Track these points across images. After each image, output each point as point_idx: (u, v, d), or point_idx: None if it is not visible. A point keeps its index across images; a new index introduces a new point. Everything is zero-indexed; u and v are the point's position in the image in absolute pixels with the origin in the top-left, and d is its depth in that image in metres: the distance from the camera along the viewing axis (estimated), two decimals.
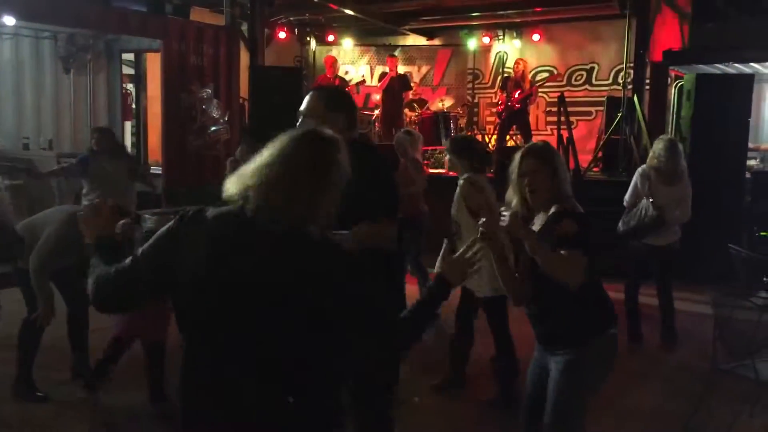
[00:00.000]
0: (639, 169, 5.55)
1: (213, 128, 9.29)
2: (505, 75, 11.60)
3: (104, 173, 6.12)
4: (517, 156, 2.76)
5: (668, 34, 9.99)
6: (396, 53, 11.96)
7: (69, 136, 10.03)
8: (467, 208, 4.09)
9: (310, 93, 2.81)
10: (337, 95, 2.93)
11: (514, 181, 2.76)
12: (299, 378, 1.74)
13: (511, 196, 2.79)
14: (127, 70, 11.06)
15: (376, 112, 11.60)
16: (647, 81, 9.48)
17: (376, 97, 11.93)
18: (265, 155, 1.80)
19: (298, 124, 2.70)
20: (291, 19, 12.36)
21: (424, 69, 13.05)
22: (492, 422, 4.17)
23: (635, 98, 9.11)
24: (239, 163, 5.98)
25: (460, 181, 4.17)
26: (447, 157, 4.34)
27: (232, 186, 1.79)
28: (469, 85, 12.72)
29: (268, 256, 1.72)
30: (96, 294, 1.89)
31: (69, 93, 10.18)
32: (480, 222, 2.62)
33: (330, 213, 1.80)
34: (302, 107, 2.74)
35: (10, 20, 7.84)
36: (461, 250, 2.00)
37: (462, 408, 4.37)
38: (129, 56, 10.90)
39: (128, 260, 1.86)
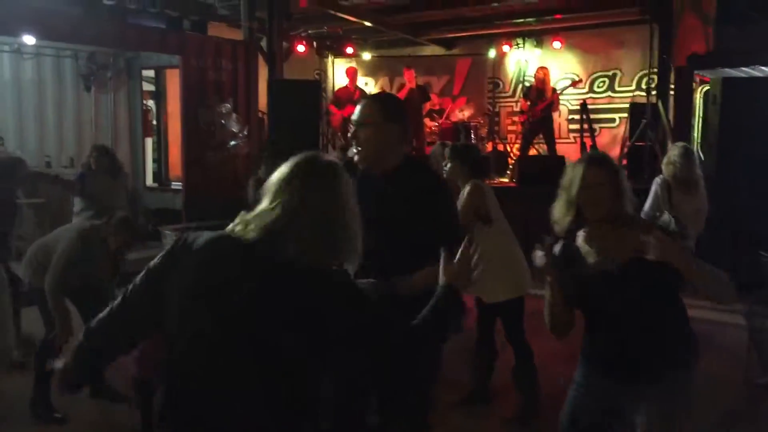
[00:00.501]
0: (657, 179, 5.37)
1: (232, 143, 9.29)
2: (527, 84, 11.48)
3: (101, 192, 6.05)
4: (577, 167, 2.49)
5: (692, 39, 9.81)
6: (413, 65, 11.89)
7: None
8: (477, 214, 4.00)
9: (365, 101, 2.65)
10: (395, 104, 2.74)
11: (572, 194, 2.47)
12: (295, 404, 1.68)
13: (562, 210, 2.52)
14: (148, 87, 11.14)
15: None
16: (671, 86, 9.31)
17: None
18: (270, 182, 1.77)
19: (350, 134, 2.60)
20: (309, 32, 12.37)
21: (444, 79, 12.97)
22: None
23: (660, 104, 8.94)
24: (262, 182, 5.90)
25: (467, 188, 4.08)
26: (448, 165, 4.22)
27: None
28: (490, 95, 12.61)
29: (262, 284, 1.65)
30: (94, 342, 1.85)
31: (90, 111, 10.26)
32: (543, 251, 2.40)
33: (339, 245, 1.74)
34: (355, 116, 2.59)
35: (30, 39, 7.91)
36: (459, 252, 1.92)
37: (487, 425, 4.25)
38: (149, 73, 10.97)
39: (119, 300, 1.80)
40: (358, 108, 2.61)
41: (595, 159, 2.55)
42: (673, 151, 5.26)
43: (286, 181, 1.74)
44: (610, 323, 2.49)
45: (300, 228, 1.68)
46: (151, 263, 1.79)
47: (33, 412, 4.26)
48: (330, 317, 1.65)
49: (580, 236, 2.52)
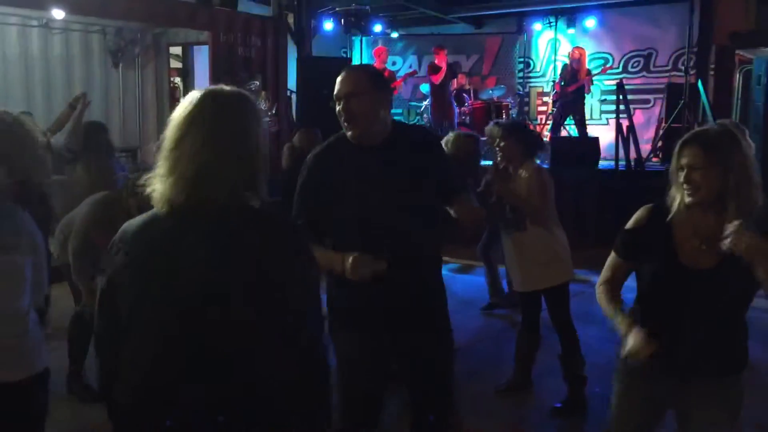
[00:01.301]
0: None
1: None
2: (562, 62, 11.23)
3: (97, 174, 5.70)
4: (677, 144, 2.22)
5: (732, 17, 9.52)
6: (443, 43, 11.64)
7: (118, 129, 10.03)
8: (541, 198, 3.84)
9: (348, 72, 2.52)
10: (378, 72, 2.70)
11: (674, 175, 2.21)
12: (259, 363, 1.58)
13: (672, 191, 2.24)
14: (174, 64, 11.05)
15: (425, 103, 11.36)
16: (711, 66, 9.05)
17: (424, 87, 11.68)
18: (169, 136, 1.59)
19: (339, 108, 2.48)
20: (336, 9, 12.20)
21: (473, 58, 12.73)
22: (561, 429, 3.94)
23: (699, 84, 8.68)
24: (297, 150, 5.75)
25: (524, 171, 3.91)
26: (502, 144, 3.98)
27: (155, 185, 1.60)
28: (520, 74, 12.37)
29: (208, 245, 1.55)
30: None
31: (118, 87, 10.21)
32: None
33: (264, 180, 1.64)
34: (344, 88, 2.46)
35: (59, 14, 7.82)
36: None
37: (527, 414, 4.13)
38: (176, 50, 10.88)
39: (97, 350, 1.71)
40: (342, 80, 2.48)
41: (693, 137, 2.22)
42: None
43: (185, 129, 1.57)
44: (675, 320, 2.25)
45: (222, 178, 1.55)
46: (100, 295, 1.67)
47: (68, 388, 4.21)
48: (278, 258, 1.59)
49: (677, 218, 2.25)
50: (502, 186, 3.74)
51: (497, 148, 3.94)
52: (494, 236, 5.30)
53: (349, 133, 2.50)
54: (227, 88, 1.66)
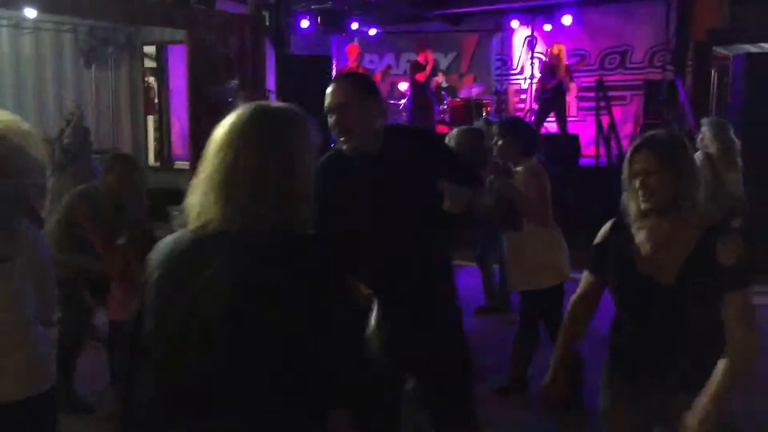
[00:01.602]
0: (700, 155, 5.13)
1: None
2: (540, 59, 11.25)
3: (82, 177, 5.68)
4: (630, 150, 2.24)
5: (708, 14, 9.61)
6: (420, 41, 11.56)
7: (92, 130, 9.83)
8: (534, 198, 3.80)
9: (336, 83, 2.49)
10: (367, 79, 2.69)
11: (626, 182, 2.23)
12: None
13: (627, 196, 2.25)
14: (148, 64, 10.86)
15: (403, 101, 11.31)
16: (689, 62, 9.13)
17: (403, 86, 11.63)
18: (211, 154, 1.51)
19: (332, 120, 2.43)
20: (313, 7, 12.08)
21: (451, 56, 12.71)
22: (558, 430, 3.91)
23: (678, 80, 8.75)
24: None
25: (528, 171, 3.86)
26: (499, 143, 3.95)
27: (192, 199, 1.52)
28: (498, 72, 12.38)
29: (249, 268, 1.46)
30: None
31: (91, 87, 10.00)
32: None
33: (311, 204, 1.56)
34: (334, 99, 2.42)
35: (31, 13, 7.61)
36: None
37: (524, 414, 4.10)
38: (149, 49, 10.69)
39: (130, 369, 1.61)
40: (331, 92, 2.44)
41: (644, 142, 2.23)
42: (715, 127, 5.04)
43: (226, 143, 1.49)
44: (649, 329, 2.24)
45: (262, 202, 1.47)
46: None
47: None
48: (319, 290, 1.48)
49: (634, 227, 2.26)
50: (504, 182, 3.69)
51: (494, 146, 3.90)
52: (490, 239, 5.27)
53: (345, 146, 2.45)
54: (275, 104, 1.59)
